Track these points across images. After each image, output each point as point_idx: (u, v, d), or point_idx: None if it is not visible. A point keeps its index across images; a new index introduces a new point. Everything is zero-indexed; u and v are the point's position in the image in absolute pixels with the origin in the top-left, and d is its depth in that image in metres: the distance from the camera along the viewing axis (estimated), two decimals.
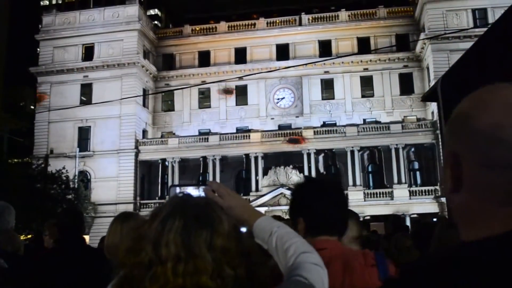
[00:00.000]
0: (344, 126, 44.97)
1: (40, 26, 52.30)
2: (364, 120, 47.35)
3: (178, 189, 1.94)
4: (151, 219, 1.24)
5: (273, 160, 44.71)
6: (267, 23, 52.27)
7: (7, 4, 72.75)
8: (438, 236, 4.20)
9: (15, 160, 53.38)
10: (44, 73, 49.29)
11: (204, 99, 51.31)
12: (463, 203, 0.93)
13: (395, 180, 42.69)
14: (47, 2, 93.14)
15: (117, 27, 49.21)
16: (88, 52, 49.75)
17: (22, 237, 8.35)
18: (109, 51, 49.05)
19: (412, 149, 44.94)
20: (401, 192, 42.09)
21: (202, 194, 1.67)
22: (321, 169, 45.00)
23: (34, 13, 71.52)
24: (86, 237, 6.81)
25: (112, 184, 45.58)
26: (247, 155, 45.42)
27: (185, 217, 1.20)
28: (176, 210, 1.23)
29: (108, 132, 46.77)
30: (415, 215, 40.26)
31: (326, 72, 48.83)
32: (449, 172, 0.95)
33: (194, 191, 1.70)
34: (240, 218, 1.61)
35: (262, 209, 38.84)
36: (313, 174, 41.26)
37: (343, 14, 50.92)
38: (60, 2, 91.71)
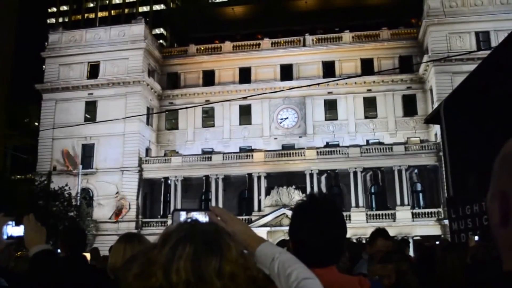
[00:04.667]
0: (347, 147, 44.95)
1: (46, 43, 52.72)
2: (367, 141, 47.34)
3: (182, 214, 1.96)
4: (161, 244, 1.26)
5: (276, 180, 44.62)
6: (271, 44, 52.62)
7: (14, 21, 73.57)
8: (442, 260, 4.19)
9: (18, 176, 53.45)
10: (49, 90, 49.51)
11: (208, 118, 51.42)
12: (509, 237, 0.97)
13: (398, 201, 42.54)
14: (54, 20, 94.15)
15: (122, 45, 49.54)
16: (93, 70, 50.03)
17: (21, 253, 8.36)
18: (114, 69, 49.31)
19: (415, 171, 44.83)
20: (404, 214, 41.90)
21: (207, 219, 1.71)
22: (324, 190, 44.83)
23: (40, 31, 72.21)
24: (87, 255, 6.81)
25: (114, 202, 45.45)
26: (250, 175, 45.35)
27: (195, 244, 1.22)
28: (186, 236, 1.25)
29: (111, 150, 46.77)
30: (418, 237, 39.98)
31: (330, 92, 48.97)
32: (497, 208, 0.98)
33: (200, 216, 1.72)
34: (243, 244, 1.64)
35: (264, 229, 38.71)
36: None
37: (347, 36, 51.25)
38: (67, 20, 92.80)
